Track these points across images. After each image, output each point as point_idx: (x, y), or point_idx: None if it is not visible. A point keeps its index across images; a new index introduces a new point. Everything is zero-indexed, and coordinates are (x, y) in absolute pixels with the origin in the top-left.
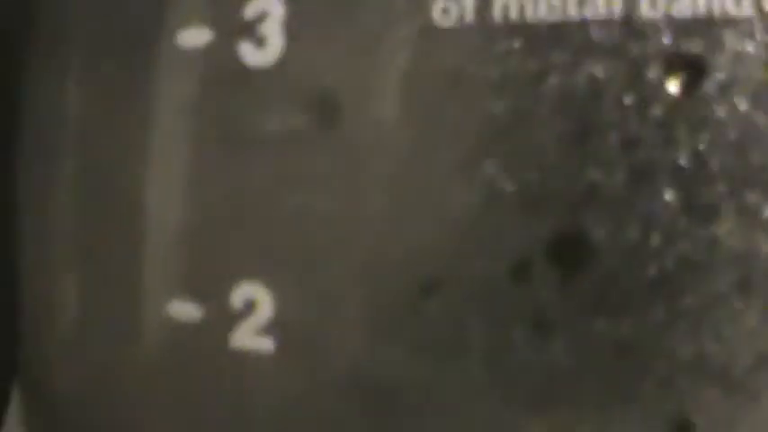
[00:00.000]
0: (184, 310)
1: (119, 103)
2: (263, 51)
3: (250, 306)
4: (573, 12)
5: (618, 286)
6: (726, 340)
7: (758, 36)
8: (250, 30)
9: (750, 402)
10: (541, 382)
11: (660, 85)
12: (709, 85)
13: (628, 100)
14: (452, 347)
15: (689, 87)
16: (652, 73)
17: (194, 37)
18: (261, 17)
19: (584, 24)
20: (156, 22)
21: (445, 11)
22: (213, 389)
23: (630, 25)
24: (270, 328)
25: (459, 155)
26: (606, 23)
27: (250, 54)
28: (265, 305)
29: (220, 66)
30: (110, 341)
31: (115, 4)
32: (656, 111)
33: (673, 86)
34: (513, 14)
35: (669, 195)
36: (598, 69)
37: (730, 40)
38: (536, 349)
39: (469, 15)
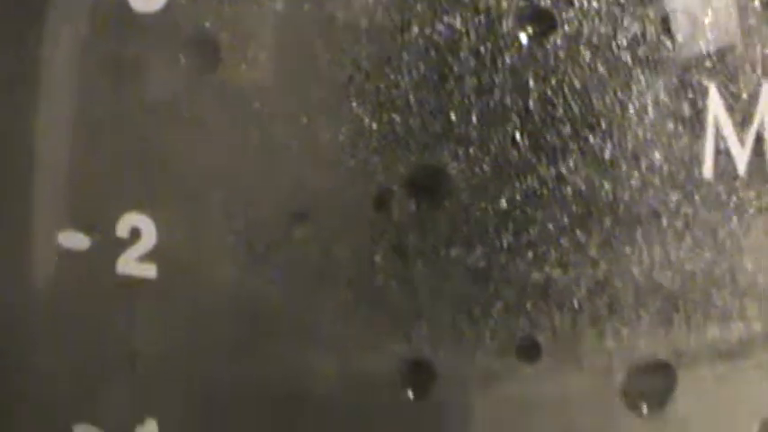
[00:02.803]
0: (73, 239)
1: (7, 36)
2: None
3: (134, 235)
4: None
5: (471, 217)
6: (569, 268)
7: None
8: None
9: (590, 325)
10: (401, 304)
11: (513, 36)
12: (558, 37)
13: (483, 49)
14: (322, 272)
15: (539, 38)
16: (506, 24)
17: None
18: None
19: None
20: None
21: None
22: (101, 314)
23: None
24: (153, 256)
25: (329, 95)
26: None
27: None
28: (149, 234)
29: (108, 10)
30: (2, 270)
31: None
32: (509, 59)
33: (524, 37)
34: None
35: (519, 136)
36: (456, 21)
37: None
38: (397, 274)
39: None
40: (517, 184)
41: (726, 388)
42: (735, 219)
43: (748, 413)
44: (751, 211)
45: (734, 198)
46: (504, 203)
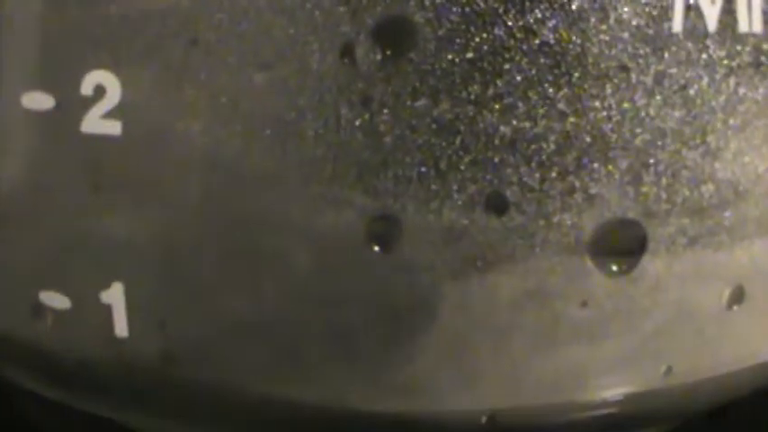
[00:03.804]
0: (37, 100)
1: None
2: None
3: (99, 92)
4: None
5: (437, 68)
6: (537, 121)
7: None
8: None
9: (558, 179)
10: (367, 158)
11: None
12: None
13: None
14: (286, 125)
15: None
16: None
17: None
18: None
19: None
20: None
21: None
22: (68, 172)
23: None
24: (117, 113)
25: None
26: None
27: None
28: (113, 91)
29: None
30: None
31: None
32: None
33: None
34: None
35: None
36: None
37: None
38: (362, 126)
39: None
40: (484, 35)
41: (697, 252)
42: (705, 77)
43: (720, 279)
44: (722, 70)
45: (704, 56)
46: (470, 54)
